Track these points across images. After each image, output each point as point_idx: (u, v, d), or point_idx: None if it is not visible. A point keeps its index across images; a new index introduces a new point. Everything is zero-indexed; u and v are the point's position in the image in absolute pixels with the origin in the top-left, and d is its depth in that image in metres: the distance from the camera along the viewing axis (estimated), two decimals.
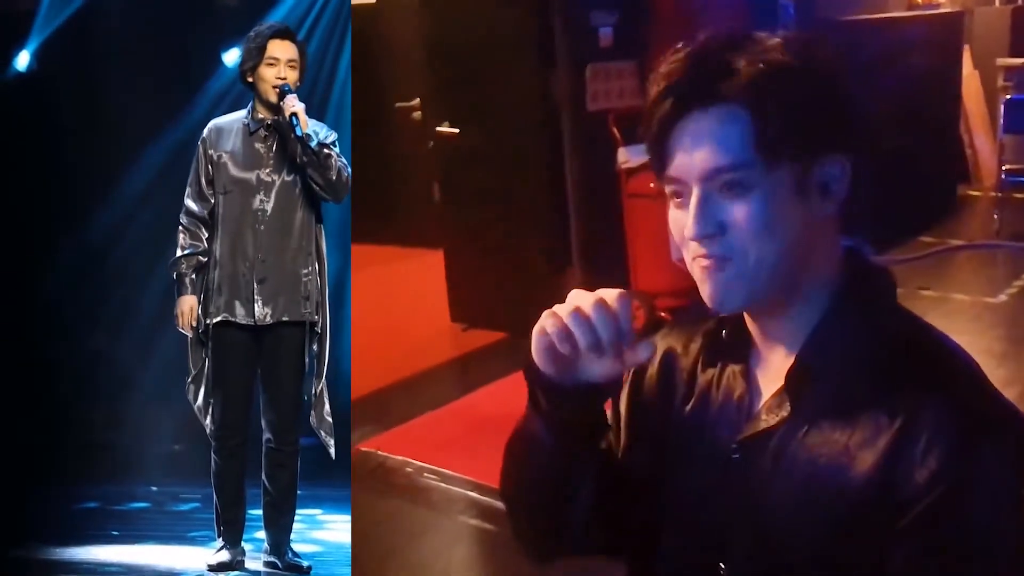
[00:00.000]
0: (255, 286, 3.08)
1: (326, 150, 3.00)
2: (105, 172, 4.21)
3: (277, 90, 3.02)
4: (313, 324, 3.15)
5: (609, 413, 1.39)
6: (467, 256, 5.73)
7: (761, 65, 1.16)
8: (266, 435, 3.17)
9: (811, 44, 1.21)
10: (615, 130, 5.27)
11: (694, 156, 1.17)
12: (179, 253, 3.15)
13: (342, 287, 4.15)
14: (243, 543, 3.28)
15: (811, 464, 1.19)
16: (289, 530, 3.26)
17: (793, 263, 1.20)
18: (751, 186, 1.16)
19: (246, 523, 3.30)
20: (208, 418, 3.20)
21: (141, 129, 3.85)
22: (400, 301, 6.37)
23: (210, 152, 3.11)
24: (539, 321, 1.20)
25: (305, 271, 3.12)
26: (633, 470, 1.38)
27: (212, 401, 3.19)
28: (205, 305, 3.15)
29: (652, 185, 4.98)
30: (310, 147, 2.97)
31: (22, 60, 4.23)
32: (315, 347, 3.17)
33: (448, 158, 5.77)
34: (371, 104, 7.55)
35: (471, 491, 3.89)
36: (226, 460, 3.19)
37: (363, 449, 4.30)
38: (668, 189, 1.22)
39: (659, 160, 1.21)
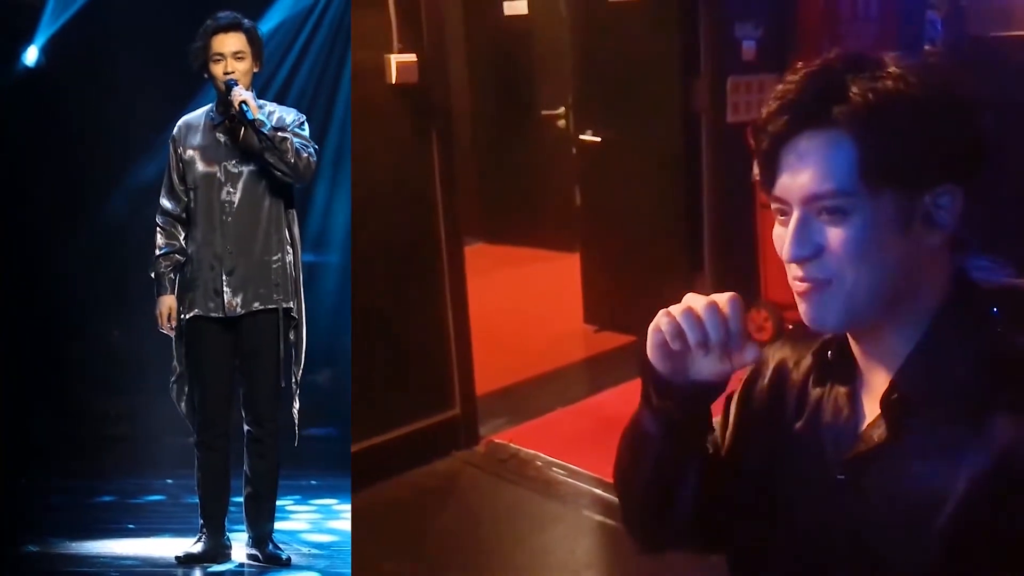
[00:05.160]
0: (224, 278, 3.04)
1: (280, 134, 2.97)
2: (117, 165, 4.14)
3: (224, 86, 3.02)
4: (288, 311, 3.09)
5: (717, 419, 1.47)
6: (602, 260, 5.84)
7: (871, 95, 1.14)
8: (246, 426, 3.12)
9: (935, 73, 1.18)
10: (752, 142, 5.31)
11: (798, 178, 1.18)
12: (157, 253, 3.12)
13: (338, 187, 4.06)
14: (229, 535, 3.22)
15: (911, 486, 1.19)
16: (271, 520, 3.18)
17: (892, 288, 1.19)
18: (851, 212, 1.16)
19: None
20: (190, 414, 3.15)
21: (150, 121, 3.69)
22: (537, 301, 6.53)
23: (179, 150, 3.10)
24: (654, 320, 1.26)
25: (274, 258, 3.07)
26: (733, 472, 1.40)
27: (193, 397, 3.12)
28: (181, 302, 3.11)
29: None
30: (263, 132, 2.95)
31: (30, 55, 4.16)
32: (291, 335, 3.12)
33: (590, 165, 5.89)
34: (519, 111, 7.79)
35: (596, 488, 3.97)
36: (207, 454, 3.13)
37: (496, 440, 4.45)
38: (773, 206, 1.23)
39: (768, 177, 1.22)
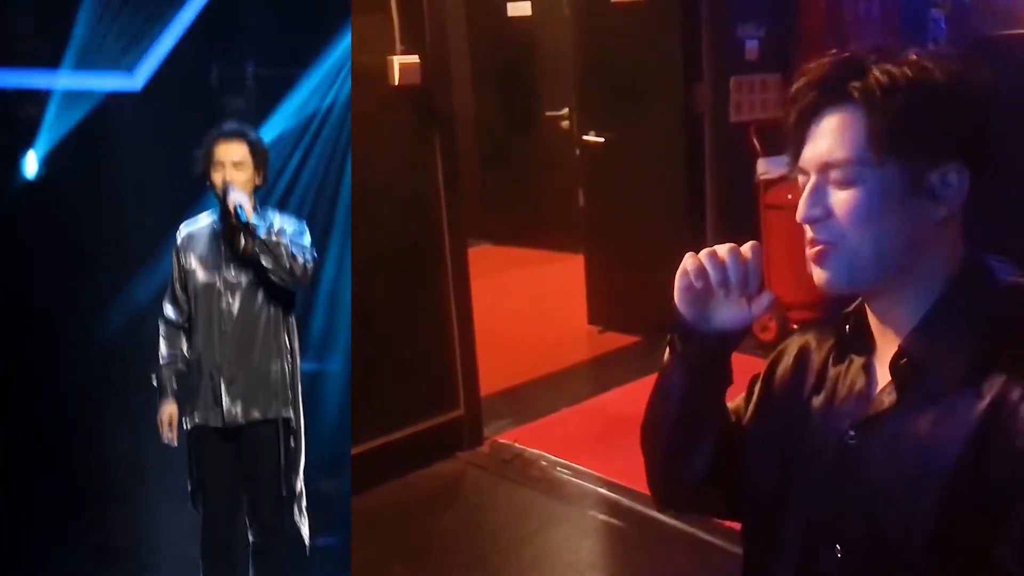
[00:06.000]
0: (223, 387, 3.04)
1: (275, 238, 2.96)
2: (121, 273, 4.09)
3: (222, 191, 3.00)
4: (287, 420, 3.08)
5: (741, 395, 1.55)
6: (606, 261, 5.85)
7: (887, 77, 1.24)
8: (251, 536, 3.08)
9: (952, 61, 1.27)
10: (756, 141, 5.31)
11: (817, 148, 1.29)
12: (160, 362, 3.13)
13: (339, 297, 4.07)
14: None
15: (918, 449, 1.25)
16: None
17: (895, 255, 1.27)
18: (859, 180, 1.25)
19: None
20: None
21: (153, 231, 3.70)
22: (541, 301, 6.56)
23: (181, 259, 3.11)
24: (681, 264, 1.37)
25: (273, 367, 3.07)
26: (752, 442, 1.48)
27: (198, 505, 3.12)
28: (183, 411, 3.11)
29: (789, 197, 5.03)
30: (258, 236, 2.94)
31: (30, 167, 4.14)
32: (291, 443, 3.10)
33: (593, 165, 5.90)
34: (522, 112, 7.81)
35: (601, 487, 3.98)
36: (212, 565, 3.09)
37: (500, 441, 4.46)
38: (799, 179, 1.33)
39: (795, 149, 1.32)
